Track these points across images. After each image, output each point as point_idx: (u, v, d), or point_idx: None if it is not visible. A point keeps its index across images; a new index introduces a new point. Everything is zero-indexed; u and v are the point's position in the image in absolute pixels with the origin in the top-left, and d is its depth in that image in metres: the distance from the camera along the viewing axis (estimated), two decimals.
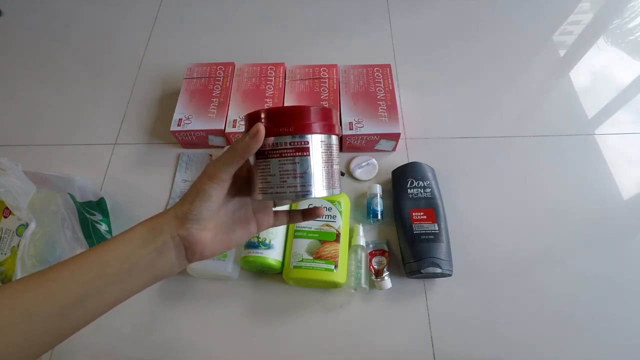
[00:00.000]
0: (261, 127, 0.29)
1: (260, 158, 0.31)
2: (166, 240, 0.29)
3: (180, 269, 0.31)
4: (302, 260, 0.56)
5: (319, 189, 0.31)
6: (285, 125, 0.30)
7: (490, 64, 0.83)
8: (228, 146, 0.29)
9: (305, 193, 0.31)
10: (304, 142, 0.30)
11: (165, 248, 0.29)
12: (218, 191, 0.29)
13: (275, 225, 0.36)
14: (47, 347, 0.27)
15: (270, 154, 0.30)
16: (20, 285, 0.27)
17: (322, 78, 0.74)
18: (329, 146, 0.32)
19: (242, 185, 0.33)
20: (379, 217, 0.63)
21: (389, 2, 0.93)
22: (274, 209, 0.37)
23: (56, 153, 0.75)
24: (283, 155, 0.30)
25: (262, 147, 0.30)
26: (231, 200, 0.33)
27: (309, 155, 0.30)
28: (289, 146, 0.30)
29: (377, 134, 0.67)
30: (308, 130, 0.30)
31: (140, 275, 0.29)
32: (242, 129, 0.68)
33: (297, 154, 0.30)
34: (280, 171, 0.30)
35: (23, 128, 0.78)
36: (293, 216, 0.37)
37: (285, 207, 0.42)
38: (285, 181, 0.30)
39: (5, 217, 0.57)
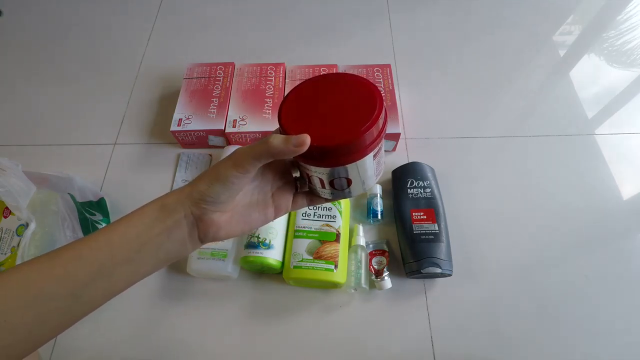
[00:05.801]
0: (307, 140, 0.26)
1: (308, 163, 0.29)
2: (178, 219, 0.28)
3: (193, 249, 0.30)
4: (302, 260, 0.56)
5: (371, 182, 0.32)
6: (335, 160, 0.28)
7: (491, 64, 0.83)
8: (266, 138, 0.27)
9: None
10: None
11: (176, 228, 0.28)
12: (240, 180, 0.27)
13: (294, 209, 0.34)
14: (59, 329, 0.27)
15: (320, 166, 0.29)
16: (32, 266, 0.26)
17: None
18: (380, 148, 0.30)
19: (263, 169, 0.31)
20: (379, 217, 0.63)
21: (389, 2, 0.93)
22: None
23: (56, 153, 0.75)
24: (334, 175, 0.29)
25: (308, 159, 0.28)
26: (251, 184, 0.31)
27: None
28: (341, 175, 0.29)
29: None
30: (361, 156, 0.28)
31: (151, 256, 0.28)
32: (243, 128, 0.68)
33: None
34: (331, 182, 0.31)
35: (23, 128, 0.78)
36: (312, 199, 0.35)
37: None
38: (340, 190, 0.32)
39: (5, 217, 0.57)
